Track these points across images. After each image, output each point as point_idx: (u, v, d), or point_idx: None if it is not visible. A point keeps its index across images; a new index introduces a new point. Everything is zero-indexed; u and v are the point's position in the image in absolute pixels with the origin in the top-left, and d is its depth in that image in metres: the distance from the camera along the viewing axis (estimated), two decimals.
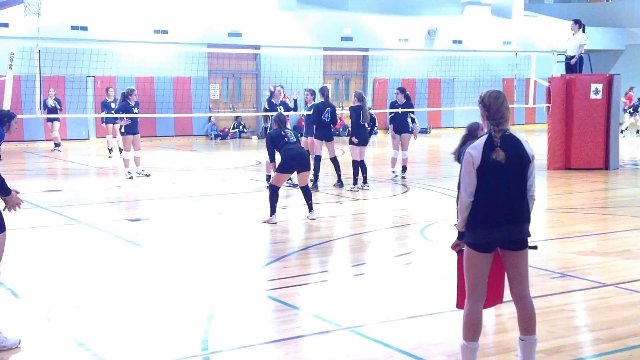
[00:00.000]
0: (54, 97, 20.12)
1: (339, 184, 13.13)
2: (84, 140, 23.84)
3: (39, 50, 14.49)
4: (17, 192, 5.34)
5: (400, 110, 14.50)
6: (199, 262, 7.85)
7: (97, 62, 20.47)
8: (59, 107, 20.12)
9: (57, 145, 21.03)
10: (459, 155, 6.85)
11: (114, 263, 7.87)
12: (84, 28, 23.17)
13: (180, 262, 7.84)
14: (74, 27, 23.00)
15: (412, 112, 14.71)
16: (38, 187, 13.38)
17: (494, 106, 4.52)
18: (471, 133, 6.97)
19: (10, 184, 5.51)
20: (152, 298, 6.50)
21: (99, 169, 16.99)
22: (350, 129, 13.37)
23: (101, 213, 10.87)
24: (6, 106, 13.12)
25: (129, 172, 14.57)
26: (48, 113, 19.47)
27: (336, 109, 13.46)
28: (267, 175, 13.39)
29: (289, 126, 10.57)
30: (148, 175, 14.75)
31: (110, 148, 19.15)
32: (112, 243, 8.84)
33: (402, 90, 14.70)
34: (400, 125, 14.56)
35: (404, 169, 14.51)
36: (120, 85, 22.61)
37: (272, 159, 10.10)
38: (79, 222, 10.08)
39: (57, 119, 20.42)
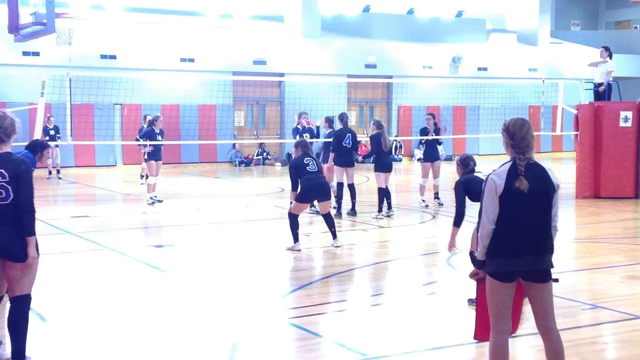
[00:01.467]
0: (52, 125, 20.07)
1: (353, 212, 12.93)
2: (111, 167, 24.06)
3: (70, 79, 14.73)
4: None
5: (431, 137, 14.36)
6: (223, 289, 7.82)
7: (125, 90, 20.73)
8: (58, 134, 20.10)
9: (58, 172, 20.79)
10: (462, 187, 6.87)
11: (139, 289, 7.87)
12: (113, 57, 23.52)
13: (203, 289, 7.81)
14: (103, 56, 23.35)
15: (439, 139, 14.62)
16: (66, 213, 13.48)
17: (519, 134, 4.47)
18: (467, 167, 6.99)
19: (40, 210, 5.53)
20: (176, 325, 6.47)
21: (125, 195, 17.10)
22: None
23: (127, 239, 10.91)
24: (37, 132, 13.33)
25: (151, 198, 14.66)
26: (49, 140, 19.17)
27: (360, 136, 13.45)
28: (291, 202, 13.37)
29: (312, 153, 10.50)
30: (160, 202, 14.77)
31: (143, 175, 19.02)
32: (138, 269, 8.85)
33: (432, 116, 14.60)
34: (431, 151, 14.44)
35: (437, 195, 14.38)
36: (147, 112, 22.87)
37: (295, 187, 10.02)
38: (105, 247, 10.12)
39: (56, 146, 20.09)
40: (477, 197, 6.53)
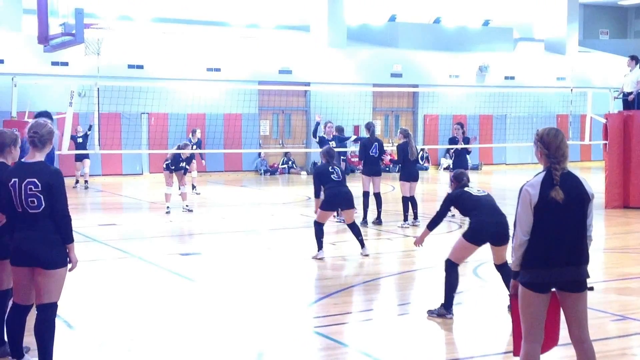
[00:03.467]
0: (82, 133, 19.68)
1: (378, 221, 12.88)
2: (138, 175, 24.26)
3: (98, 88, 14.90)
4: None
5: (460, 146, 14.25)
6: (248, 297, 7.82)
7: (152, 100, 20.92)
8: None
9: (86, 181, 20.34)
10: (450, 200, 7.22)
11: (165, 297, 7.90)
12: (140, 67, 23.76)
13: (229, 298, 7.82)
14: (130, 66, 23.61)
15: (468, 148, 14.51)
16: (94, 221, 13.61)
17: (554, 144, 4.43)
18: (460, 182, 7.23)
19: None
20: (202, 333, 6.48)
21: (151, 203, 17.23)
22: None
23: (154, 247, 10.98)
24: (66, 142, 13.49)
25: (185, 207, 14.79)
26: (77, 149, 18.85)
27: (386, 145, 13.44)
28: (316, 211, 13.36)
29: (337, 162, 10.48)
30: (191, 211, 14.83)
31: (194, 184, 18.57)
32: (164, 277, 8.89)
33: (461, 125, 14.48)
34: (460, 161, 14.31)
35: None
36: (173, 121, 23.10)
37: (317, 194, 10.01)
38: (132, 255, 10.20)
39: (86, 156, 19.89)
40: (465, 211, 7.19)
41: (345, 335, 6.41)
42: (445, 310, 6.82)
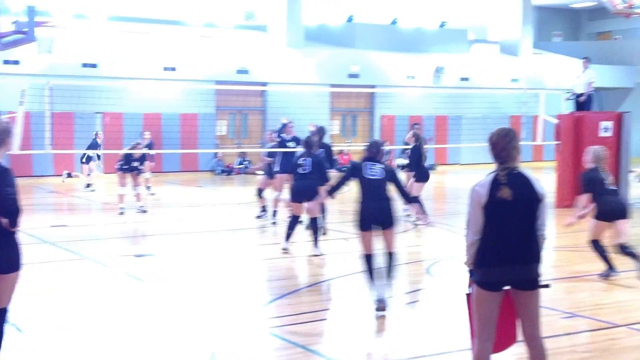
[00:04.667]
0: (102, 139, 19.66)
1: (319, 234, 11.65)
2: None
3: (50, 87, 14.62)
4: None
5: (412, 146, 14.35)
6: (203, 298, 7.76)
7: (107, 99, 20.61)
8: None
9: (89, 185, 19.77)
10: (351, 168, 7.37)
11: (118, 299, 7.79)
12: (94, 65, 23.39)
13: (184, 299, 7.75)
14: (84, 65, 23.20)
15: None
16: (45, 222, 13.34)
17: (500, 144, 4.49)
18: (367, 152, 7.38)
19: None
20: (156, 335, 6.40)
21: (105, 204, 16.97)
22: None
23: (107, 248, 10.81)
24: (16, 142, 13.21)
25: (139, 208, 14.63)
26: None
27: (341, 145, 13.40)
28: (274, 211, 13.33)
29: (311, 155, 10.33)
30: (145, 212, 14.66)
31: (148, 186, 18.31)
32: (117, 279, 8.77)
33: (417, 126, 14.71)
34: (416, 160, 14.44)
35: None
36: (129, 121, 22.79)
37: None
38: (84, 257, 10.02)
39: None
40: (358, 187, 7.25)
41: (300, 335, 6.40)
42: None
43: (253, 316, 6.98)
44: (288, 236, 10.08)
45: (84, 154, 19.40)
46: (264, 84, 24.64)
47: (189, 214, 14.78)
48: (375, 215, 7.06)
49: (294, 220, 10.15)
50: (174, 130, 23.63)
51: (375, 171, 7.19)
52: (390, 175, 7.27)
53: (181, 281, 8.66)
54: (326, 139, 13.42)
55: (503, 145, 4.47)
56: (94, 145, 19.42)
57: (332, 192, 7.65)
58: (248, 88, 23.30)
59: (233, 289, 8.22)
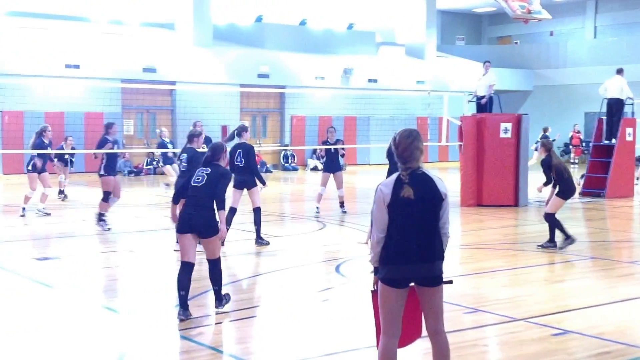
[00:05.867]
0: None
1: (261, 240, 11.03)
2: None
3: None
4: None
5: (328, 147, 14.55)
6: (110, 301, 7.59)
7: (5, 97, 19.80)
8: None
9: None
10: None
11: (20, 304, 7.51)
12: None
13: (90, 302, 7.56)
14: None
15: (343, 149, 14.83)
16: None
17: (403, 145, 4.59)
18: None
19: None
20: (60, 340, 6.22)
21: (5, 206, 16.31)
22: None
23: (8, 252, 10.40)
24: None
25: (39, 210, 14.13)
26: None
27: (254, 146, 12.41)
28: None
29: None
30: (49, 214, 14.21)
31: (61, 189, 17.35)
32: (19, 283, 8.45)
33: (334, 129, 14.84)
34: (333, 163, 14.60)
35: (342, 204, 14.60)
36: (29, 120, 21.94)
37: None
38: None
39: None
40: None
41: (208, 336, 6.37)
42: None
43: (162, 318, 6.89)
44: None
45: None
46: (172, 83, 24.26)
47: (94, 216, 14.37)
48: (192, 223, 6.79)
49: None
50: (78, 129, 22.93)
51: (198, 178, 6.93)
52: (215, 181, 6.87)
53: (87, 284, 8.44)
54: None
55: (406, 145, 4.58)
56: None
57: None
58: (155, 87, 22.87)
59: (141, 291, 8.08)
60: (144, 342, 6.18)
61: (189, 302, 6.79)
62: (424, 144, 4.72)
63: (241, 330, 6.67)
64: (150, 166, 25.81)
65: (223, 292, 7.11)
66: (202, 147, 10.49)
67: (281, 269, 9.40)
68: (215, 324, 6.77)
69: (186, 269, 6.82)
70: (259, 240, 10.89)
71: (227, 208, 7.40)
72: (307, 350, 5.93)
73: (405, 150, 4.57)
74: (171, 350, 6.01)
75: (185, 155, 9.86)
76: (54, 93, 23.11)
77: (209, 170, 6.96)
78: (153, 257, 10.12)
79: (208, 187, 6.84)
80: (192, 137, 10.02)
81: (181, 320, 6.62)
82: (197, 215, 6.78)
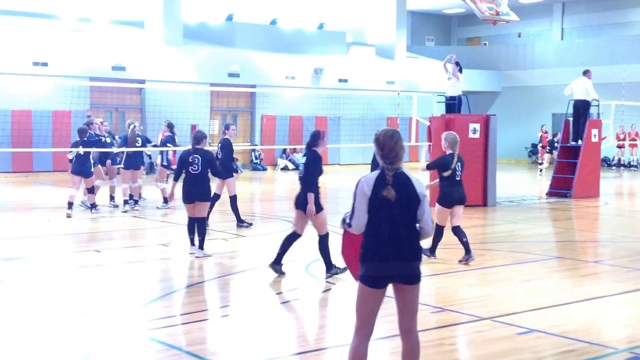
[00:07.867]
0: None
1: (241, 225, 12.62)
2: None
3: None
4: None
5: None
6: (77, 302, 7.51)
7: None
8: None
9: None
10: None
11: None
12: None
13: (55, 304, 7.47)
14: None
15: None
16: None
17: (388, 145, 4.61)
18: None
19: None
20: (24, 344, 6.14)
21: None
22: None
23: None
24: None
25: None
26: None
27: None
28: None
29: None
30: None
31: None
32: None
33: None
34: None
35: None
36: None
37: (176, 178, 10.14)
38: None
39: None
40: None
41: (177, 336, 6.33)
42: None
43: (130, 318, 6.84)
44: (190, 240, 9.99)
45: None
46: (141, 82, 24.06)
47: (60, 216, 14.20)
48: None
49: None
50: (46, 128, 22.64)
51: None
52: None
53: (52, 285, 8.34)
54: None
55: (391, 146, 4.60)
56: None
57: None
58: (124, 85, 22.68)
59: (108, 292, 8.01)
60: (110, 342, 6.13)
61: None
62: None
63: (208, 330, 6.65)
64: (120, 166, 25.52)
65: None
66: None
67: (250, 269, 9.38)
68: (182, 324, 6.74)
69: (294, 237, 8.56)
70: (240, 224, 12.45)
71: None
72: (275, 350, 5.93)
73: (391, 151, 4.60)
74: (138, 351, 5.97)
75: (198, 157, 9.88)
76: (21, 90, 22.78)
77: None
78: (118, 257, 10.02)
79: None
80: (201, 139, 10.02)
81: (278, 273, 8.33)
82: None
